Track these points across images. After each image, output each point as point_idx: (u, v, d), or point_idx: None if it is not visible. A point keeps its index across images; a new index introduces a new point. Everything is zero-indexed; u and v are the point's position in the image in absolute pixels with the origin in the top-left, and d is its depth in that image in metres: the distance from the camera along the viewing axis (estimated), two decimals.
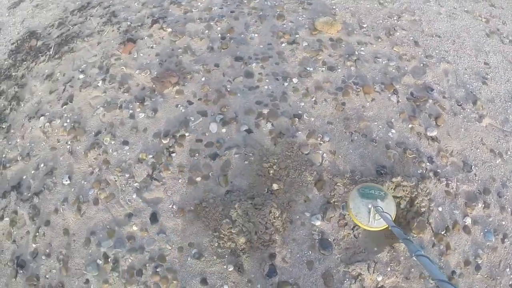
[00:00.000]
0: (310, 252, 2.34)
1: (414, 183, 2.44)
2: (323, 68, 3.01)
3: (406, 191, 2.43)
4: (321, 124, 2.73)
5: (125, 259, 2.45)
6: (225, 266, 2.33)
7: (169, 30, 3.31)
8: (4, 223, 2.79)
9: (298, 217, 2.43)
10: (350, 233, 2.39)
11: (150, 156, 2.68)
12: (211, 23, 3.34)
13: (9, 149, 3.09)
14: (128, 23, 3.53)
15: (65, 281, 2.49)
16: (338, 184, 2.49)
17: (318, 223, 2.40)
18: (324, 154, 2.62)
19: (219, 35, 3.25)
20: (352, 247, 2.35)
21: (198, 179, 2.57)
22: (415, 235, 2.34)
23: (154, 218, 2.50)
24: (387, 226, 1.97)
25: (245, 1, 3.54)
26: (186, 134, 2.72)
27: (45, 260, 2.57)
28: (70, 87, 3.19)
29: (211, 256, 2.37)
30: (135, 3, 3.76)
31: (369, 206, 2.09)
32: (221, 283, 2.30)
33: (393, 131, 2.74)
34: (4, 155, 3.07)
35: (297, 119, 2.74)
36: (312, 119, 2.75)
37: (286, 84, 2.91)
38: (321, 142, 2.65)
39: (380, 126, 2.75)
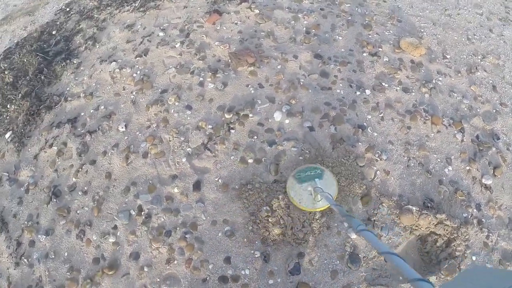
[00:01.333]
0: (338, 262, 2.26)
1: (456, 225, 2.32)
2: (398, 88, 2.91)
3: (447, 230, 2.32)
4: (382, 142, 2.63)
5: (158, 216, 2.43)
6: (252, 251, 2.28)
7: (257, 11, 3.28)
8: (51, 151, 2.83)
9: (336, 225, 2.35)
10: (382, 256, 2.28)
11: (210, 126, 2.66)
12: (299, 15, 3.29)
13: (75, 84, 3.14)
14: None
15: (94, 221, 2.50)
16: (383, 204, 2.40)
17: (353, 236, 2.31)
18: (378, 171, 2.53)
19: (304, 28, 3.20)
20: (379, 270, 2.25)
21: (250, 161, 2.52)
22: (442, 276, 2.22)
23: (197, 186, 2.47)
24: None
25: (336, 2, 3.48)
26: (250, 115, 2.67)
27: (81, 197, 2.58)
28: (148, 41, 3.21)
29: (242, 237, 2.32)
30: None
31: (309, 188, 2.10)
32: (243, 266, 2.25)
33: (450, 168, 2.62)
34: (68, 89, 3.11)
35: (360, 130, 2.66)
36: (375, 134, 2.66)
37: (358, 93, 2.83)
38: (378, 159, 2.55)
39: (439, 160, 2.63)
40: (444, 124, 2.80)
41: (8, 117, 3.12)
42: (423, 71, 3.07)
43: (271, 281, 2.20)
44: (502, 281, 0.92)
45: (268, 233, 2.30)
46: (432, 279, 2.22)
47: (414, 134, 2.70)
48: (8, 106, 3.13)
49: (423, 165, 2.61)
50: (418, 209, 2.35)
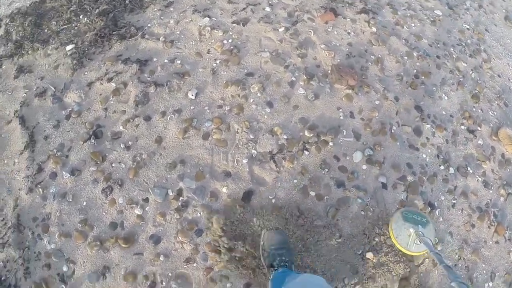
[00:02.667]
0: None
1: None
2: (480, 179, 2.62)
3: None
4: (443, 230, 2.40)
5: (195, 209, 2.21)
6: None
7: (374, 29, 2.95)
8: (108, 86, 2.57)
9: None
10: None
11: (285, 136, 2.39)
12: (414, 53, 2.95)
13: (158, 23, 2.84)
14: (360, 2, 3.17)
15: (127, 182, 2.28)
16: None
17: None
18: (427, 259, 2.28)
19: (415, 71, 2.87)
20: None
21: (312, 193, 2.26)
22: None
23: (247, 195, 2.22)
24: (425, 251, 1.93)
25: (454, 56, 3.12)
26: (330, 143, 2.40)
27: (122, 150, 2.35)
28: (251, 11, 2.89)
29: None
30: None
31: (411, 230, 2.02)
32: None
33: (490, 284, 2.39)
34: (149, 25, 2.81)
35: (429, 208, 2.40)
36: (441, 219, 2.41)
37: (442, 167, 2.55)
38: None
39: (484, 271, 2.40)
40: (504, 236, 2.53)
41: (76, 29, 2.82)
42: (508, 170, 2.75)
43: None
44: None
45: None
46: None
47: (475, 235, 2.45)
48: (81, 17, 2.83)
49: (468, 270, 2.37)
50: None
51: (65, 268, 2.11)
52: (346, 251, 2.19)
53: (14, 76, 2.76)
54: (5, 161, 2.44)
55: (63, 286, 2.09)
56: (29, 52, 2.85)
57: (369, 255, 2.22)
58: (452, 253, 2.36)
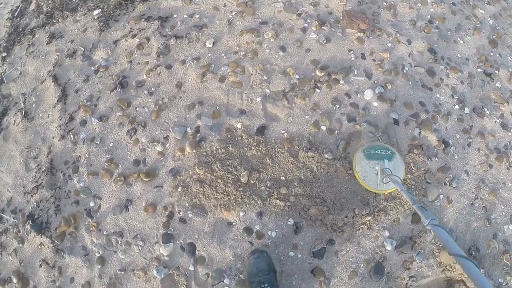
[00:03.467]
0: (362, 265, 2.10)
1: None
2: (498, 120, 2.59)
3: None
4: (459, 167, 2.42)
5: (211, 144, 2.31)
6: (287, 217, 2.16)
7: None
8: (132, 41, 2.75)
9: (377, 228, 2.15)
10: (405, 279, 2.11)
11: (297, 76, 2.49)
12: (429, 0, 2.96)
13: None
14: None
15: (149, 123, 2.46)
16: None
17: (388, 248, 2.13)
18: (441, 195, 2.32)
19: (429, 16, 2.91)
20: None
21: (323, 128, 2.36)
22: None
23: (261, 130, 2.34)
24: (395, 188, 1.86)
25: (471, 3, 3.11)
26: (341, 82, 2.47)
27: (145, 96, 2.52)
28: None
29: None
30: None
31: (376, 167, 1.99)
32: (272, 228, 2.16)
33: (511, 227, 2.35)
34: None
35: (443, 145, 2.43)
36: (456, 157, 2.45)
37: (457, 107, 2.59)
38: (447, 183, 2.34)
39: (503, 213, 2.36)
40: None
41: None
42: None
43: (291, 253, 2.10)
44: None
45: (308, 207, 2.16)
46: None
47: (493, 176, 2.43)
48: None
49: (486, 210, 2.35)
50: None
51: (92, 204, 2.31)
52: (357, 183, 2.23)
53: (47, 42, 3.01)
54: (40, 115, 2.66)
55: (90, 220, 2.28)
56: (59, 20, 3.09)
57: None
58: (468, 191, 2.35)
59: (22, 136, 2.62)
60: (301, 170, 2.24)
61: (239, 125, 2.35)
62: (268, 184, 2.21)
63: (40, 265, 2.23)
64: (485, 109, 2.61)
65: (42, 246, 2.26)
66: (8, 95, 2.89)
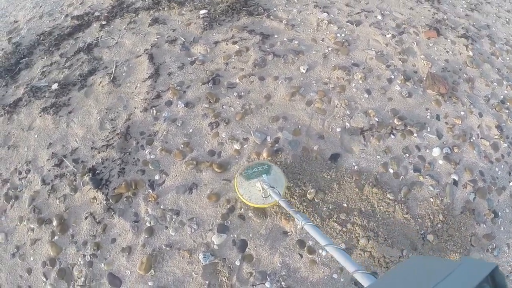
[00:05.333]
0: None
1: None
2: None
3: None
4: (502, 239, 2.55)
5: (286, 156, 2.54)
6: (340, 241, 2.31)
7: (470, 53, 3.25)
8: (232, 47, 3.14)
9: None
10: None
11: (376, 119, 2.77)
12: (504, 83, 3.22)
13: (282, 9, 3.39)
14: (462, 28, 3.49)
15: (232, 122, 2.71)
16: None
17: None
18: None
19: (501, 96, 3.13)
20: None
21: (391, 170, 2.56)
22: None
23: (334, 157, 2.52)
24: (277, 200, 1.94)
25: None
26: (414, 134, 2.74)
27: (234, 98, 2.84)
28: (365, 16, 3.34)
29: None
30: None
31: (257, 184, 2.07)
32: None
33: None
34: (275, 9, 3.32)
35: (493, 215, 2.58)
36: (502, 228, 2.57)
37: (511, 183, 2.70)
38: (489, 251, 2.48)
39: None
40: None
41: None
42: None
43: (335, 276, 2.23)
44: (442, 268, 0.87)
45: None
46: None
47: None
48: None
49: None
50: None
51: (157, 177, 2.48)
52: (410, 228, 2.41)
53: (149, 24, 3.27)
54: (128, 85, 2.92)
55: (150, 191, 2.42)
56: (165, 9, 3.37)
57: (430, 237, 2.42)
58: (506, 263, 2.50)
59: (104, 97, 2.86)
60: (363, 202, 2.40)
61: (315, 147, 2.53)
62: (330, 207, 2.38)
63: (86, 217, 2.38)
64: None
65: (95, 201, 2.42)
66: (99, 58, 3.14)
